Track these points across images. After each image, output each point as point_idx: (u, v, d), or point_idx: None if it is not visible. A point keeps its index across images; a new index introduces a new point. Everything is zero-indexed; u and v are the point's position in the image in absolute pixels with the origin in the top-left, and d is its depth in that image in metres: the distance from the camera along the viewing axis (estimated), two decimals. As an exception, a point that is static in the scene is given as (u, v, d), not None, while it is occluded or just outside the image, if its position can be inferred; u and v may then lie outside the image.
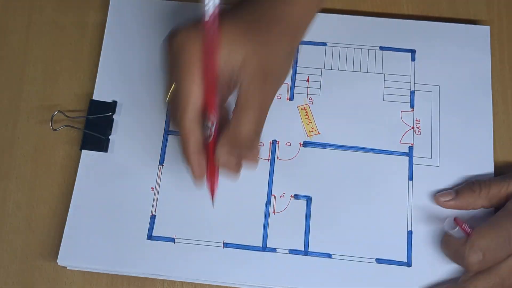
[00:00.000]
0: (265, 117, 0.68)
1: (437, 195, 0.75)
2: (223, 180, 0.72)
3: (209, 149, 0.68)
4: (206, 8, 0.61)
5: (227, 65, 0.65)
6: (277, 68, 0.68)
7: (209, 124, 0.66)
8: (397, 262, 0.74)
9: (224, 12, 0.64)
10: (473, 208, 0.75)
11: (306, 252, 0.74)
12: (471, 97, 0.80)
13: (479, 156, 0.78)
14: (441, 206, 0.75)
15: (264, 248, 0.74)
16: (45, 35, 0.84)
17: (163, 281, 0.75)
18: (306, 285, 0.73)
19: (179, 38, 0.65)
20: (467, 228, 0.71)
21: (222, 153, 0.67)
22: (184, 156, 0.67)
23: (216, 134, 0.67)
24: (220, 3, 0.62)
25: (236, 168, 0.70)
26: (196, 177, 0.68)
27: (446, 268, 0.73)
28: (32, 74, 0.83)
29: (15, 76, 0.83)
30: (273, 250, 0.74)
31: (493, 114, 0.79)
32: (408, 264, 0.74)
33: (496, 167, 0.77)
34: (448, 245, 0.72)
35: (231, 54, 0.65)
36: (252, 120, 0.66)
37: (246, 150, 0.69)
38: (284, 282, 0.73)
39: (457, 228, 0.71)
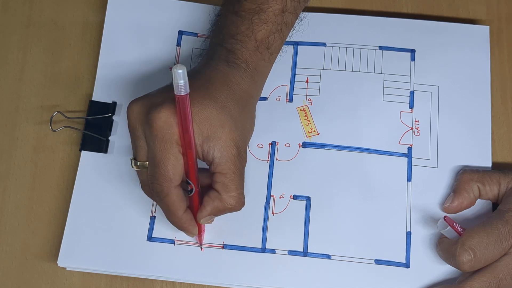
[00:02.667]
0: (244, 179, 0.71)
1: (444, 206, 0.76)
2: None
3: (191, 204, 0.71)
4: (180, 84, 0.64)
5: (197, 137, 0.68)
6: (245, 132, 0.72)
7: (189, 188, 0.70)
8: (395, 263, 0.74)
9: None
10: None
11: (305, 253, 0.74)
12: (470, 97, 0.80)
13: (478, 157, 0.78)
14: (448, 212, 0.75)
15: (263, 250, 0.74)
16: (45, 35, 0.84)
17: (162, 282, 0.75)
18: (305, 286, 0.73)
19: (163, 116, 0.67)
20: (458, 228, 0.71)
21: (204, 217, 0.71)
22: (175, 223, 0.71)
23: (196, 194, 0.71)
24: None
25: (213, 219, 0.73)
26: (193, 235, 0.73)
27: (444, 269, 0.74)
28: (31, 75, 0.83)
29: (15, 76, 0.82)
30: (272, 251, 0.74)
31: (492, 114, 0.80)
32: (406, 265, 0.74)
33: (495, 168, 0.78)
34: (441, 245, 0.73)
35: (201, 127, 0.68)
36: (239, 188, 0.70)
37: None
38: (283, 283, 0.73)
39: (448, 228, 0.71)
